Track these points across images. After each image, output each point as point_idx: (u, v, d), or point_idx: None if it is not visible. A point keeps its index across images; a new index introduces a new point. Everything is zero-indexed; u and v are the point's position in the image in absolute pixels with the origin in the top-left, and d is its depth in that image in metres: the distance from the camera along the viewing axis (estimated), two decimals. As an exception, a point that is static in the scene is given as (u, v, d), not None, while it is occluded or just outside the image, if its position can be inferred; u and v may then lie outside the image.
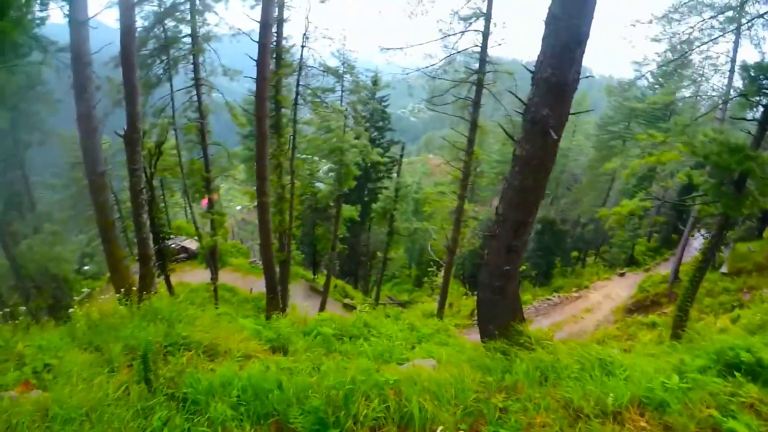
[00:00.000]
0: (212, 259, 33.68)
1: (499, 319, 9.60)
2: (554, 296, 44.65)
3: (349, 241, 57.32)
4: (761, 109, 21.33)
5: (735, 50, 32.51)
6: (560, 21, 7.80)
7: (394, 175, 49.15)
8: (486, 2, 26.57)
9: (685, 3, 28.15)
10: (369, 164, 46.47)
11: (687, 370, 7.91)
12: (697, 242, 42.96)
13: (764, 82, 20.87)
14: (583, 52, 7.88)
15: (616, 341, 28.22)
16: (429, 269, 55.90)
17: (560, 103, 7.98)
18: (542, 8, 8.10)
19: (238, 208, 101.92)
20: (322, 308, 37.82)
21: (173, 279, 27.93)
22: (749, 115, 24.40)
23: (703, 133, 22.12)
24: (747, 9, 27.08)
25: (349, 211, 41.74)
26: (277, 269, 29.39)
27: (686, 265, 37.57)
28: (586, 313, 40.05)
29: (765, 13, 25.27)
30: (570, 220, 65.77)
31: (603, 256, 63.47)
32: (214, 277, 34.04)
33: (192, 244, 45.71)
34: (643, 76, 35.11)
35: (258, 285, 36.24)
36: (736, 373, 8.19)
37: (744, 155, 19.27)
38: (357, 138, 37.30)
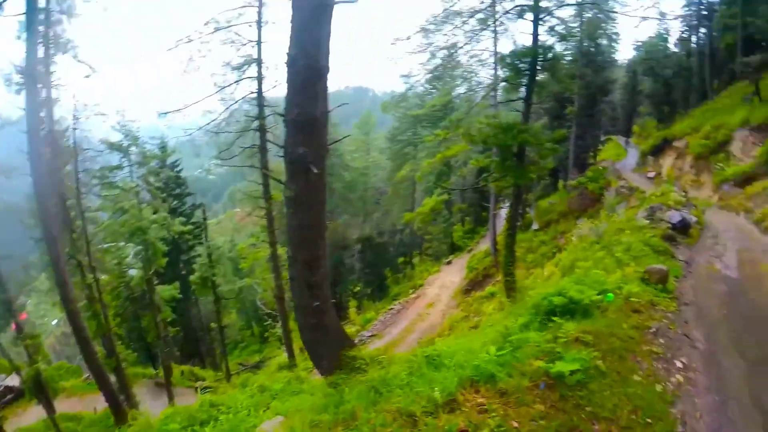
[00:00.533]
0: (40, 390, 30.28)
1: (329, 354, 9.77)
2: (395, 304, 45.56)
3: (180, 321, 54.23)
4: (523, 89, 23.80)
5: (495, 44, 36.21)
6: (299, 61, 8.18)
7: (204, 240, 47.58)
8: (256, 48, 26.79)
9: (436, 16, 30.25)
10: (176, 236, 44.61)
11: (512, 333, 8.60)
12: (504, 212, 46.27)
13: (520, 65, 23.52)
14: (326, 85, 8.30)
15: (465, 321, 29.64)
16: (266, 323, 54.67)
17: (315, 139, 8.32)
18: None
19: (54, 322, 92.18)
20: (170, 402, 35.51)
21: (8, 427, 24.84)
22: (515, 97, 27.25)
23: (479, 122, 24.45)
24: (497, 8, 29.88)
25: (167, 290, 39.40)
26: (113, 377, 27.32)
27: (500, 235, 40.21)
28: (429, 308, 41.29)
29: (508, 11, 27.91)
30: (387, 231, 67.69)
31: (427, 253, 65.80)
32: (50, 411, 30.55)
33: (15, 380, 40.76)
34: (413, 86, 37.45)
35: (101, 401, 33.25)
36: (554, 318, 9.11)
37: (518, 130, 21.49)
38: (156, 212, 35.64)
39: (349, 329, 40.15)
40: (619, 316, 10.06)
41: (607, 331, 9.05)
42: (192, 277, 44.84)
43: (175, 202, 53.84)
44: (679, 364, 9.02)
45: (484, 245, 48.87)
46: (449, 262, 52.97)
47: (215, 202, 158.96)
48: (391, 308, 44.69)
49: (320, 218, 9.09)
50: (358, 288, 58.70)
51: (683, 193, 29.43)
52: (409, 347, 26.91)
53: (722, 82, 56.15)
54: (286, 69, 8.29)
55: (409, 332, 36.36)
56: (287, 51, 8.26)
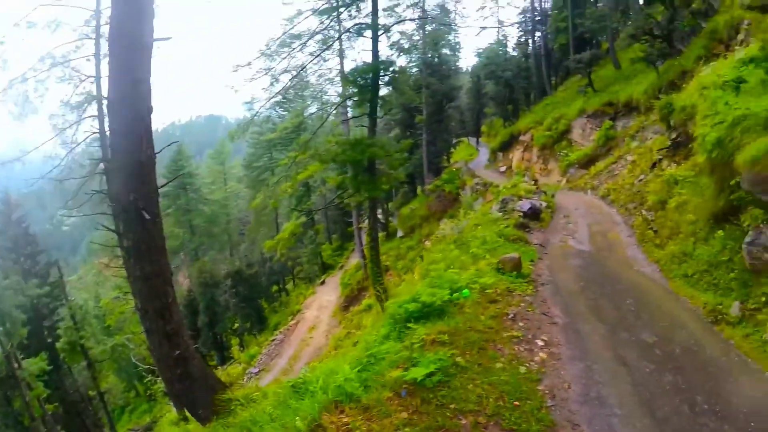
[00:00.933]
0: None
1: (202, 402, 9.45)
2: (277, 334, 44.82)
3: (56, 395, 49.87)
4: (367, 104, 24.30)
5: (342, 62, 36.62)
6: (117, 105, 7.90)
7: (64, 300, 44.22)
8: (95, 84, 25.25)
9: (276, 40, 30.11)
10: (33, 300, 41.33)
11: (372, 346, 8.68)
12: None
13: (362, 82, 23.98)
14: (150, 127, 8.04)
15: (349, 338, 29.66)
16: (147, 380, 51.28)
17: (143, 183, 8.05)
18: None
19: None
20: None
21: None
22: (362, 113, 27.75)
23: (327, 140, 24.70)
24: (337, 28, 30.22)
25: (35, 363, 36.18)
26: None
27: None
28: (312, 332, 41.04)
29: (348, 29, 28.37)
30: (256, 261, 66.32)
31: (299, 277, 65.40)
32: None
33: None
34: (258, 113, 37.16)
35: None
36: (409, 325, 9.28)
37: (365, 145, 21.83)
38: (6, 278, 33.07)
39: (235, 368, 39.22)
40: (476, 310, 10.33)
41: (464, 327, 9.29)
42: (59, 344, 41.47)
43: (27, 263, 49.63)
44: (540, 343, 9.38)
45: (355, 260, 49.27)
46: (323, 282, 52.90)
47: (73, 256, 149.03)
48: (274, 339, 43.98)
49: (163, 265, 8.75)
50: (237, 324, 57.11)
51: (533, 182, 31.08)
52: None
53: (559, 79, 62.49)
54: (107, 114, 8.02)
55: (297, 360, 36.01)
56: (106, 95, 7.98)
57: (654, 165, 22.50)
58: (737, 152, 10.69)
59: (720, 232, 12.32)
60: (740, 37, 23.14)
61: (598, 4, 56.27)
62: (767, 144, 9.64)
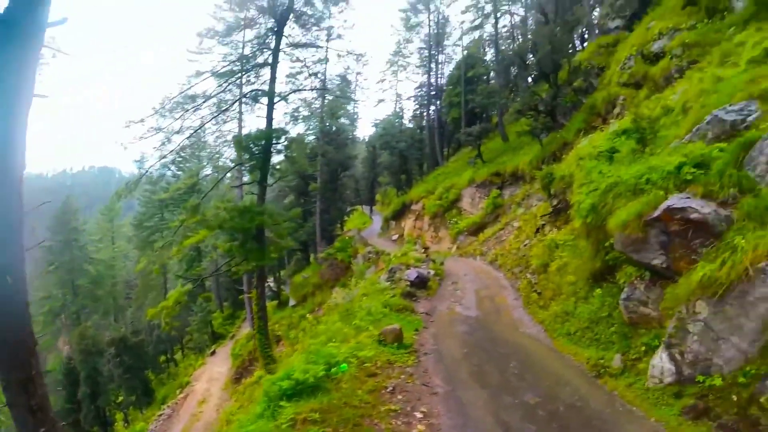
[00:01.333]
0: None
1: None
2: (165, 408, 42.18)
3: None
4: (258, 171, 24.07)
5: (240, 126, 36.33)
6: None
7: None
8: None
9: (172, 98, 29.50)
10: None
11: (245, 425, 8.20)
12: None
13: (253, 149, 23.69)
14: (18, 183, 7.43)
15: (241, 412, 28.37)
16: None
17: (8, 243, 7.40)
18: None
19: None
20: None
21: None
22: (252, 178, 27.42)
23: (216, 206, 24.01)
24: (235, 93, 30.00)
25: None
26: None
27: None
28: (202, 405, 38.89)
29: (245, 94, 28.24)
30: (142, 328, 62.69)
31: (188, 346, 62.53)
32: None
33: None
34: (147, 171, 36.07)
35: None
36: (281, 403, 8.84)
37: (254, 213, 21.40)
38: None
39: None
40: (353, 385, 10.05)
41: (339, 403, 8.97)
42: None
43: None
44: (419, 415, 9.12)
45: (246, 329, 47.62)
46: (213, 353, 50.86)
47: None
48: (161, 414, 41.33)
49: (27, 333, 7.95)
50: (121, 397, 53.42)
51: (423, 250, 31.52)
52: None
53: (451, 150, 65.93)
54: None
55: (187, 436, 33.97)
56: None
57: (538, 230, 23.52)
58: (610, 217, 11.29)
59: (598, 291, 12.93)
60: (616, 111, 25.08)
61: (490, 82, 60.06)
62: (636, 208, 10.20)
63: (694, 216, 8.88)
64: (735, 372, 7.56)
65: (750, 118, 10.48)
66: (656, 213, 9.54)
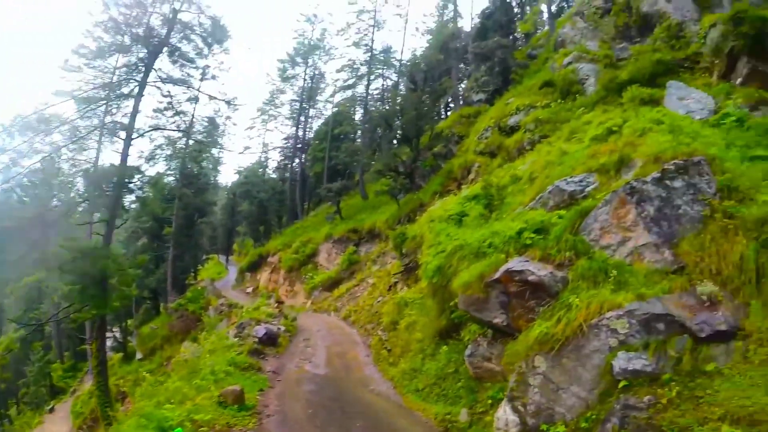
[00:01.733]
0: None
1: None
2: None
3: None
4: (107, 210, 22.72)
5: (98, 155, 34.23)
6: None
7: None
8: None
9: (23, 118, 27.75)
10: None
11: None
12: (108, 342, 42.88)
13: (104, 185, 22.44)
14: None
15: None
16: None
17: None
18: None
19: None
20: None
21: None
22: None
23: (60, 245, 22.21)
24: (94, 122, 28.47)
25: None
26: None
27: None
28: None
29: (105, 125, 26.95)
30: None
31: (25, 401, 56.74)
32: None
33: None
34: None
35: None
36: None
37: (98, 256, 20.05)
38: None
39: None
40: (187, 452, 9.56)
41: None
42: None
43: None
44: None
45: (89, 383, 43.93)
46: (52, 410, 45.93)
47: None
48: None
49: None
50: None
51: (277, 304, 30.99)
52: None
53: (312, 204, 66.88)
54: None
55: None
56: None
57: (390, 288, 24.11)
58: (454, 277, 11.81)
59: (445, 348, 13.49)
60: (471, 176, 26.69)
61: (357, 140, 61.75)
62: (478, 270, 10.78)
63: (531, 278, 9.54)
64: (578, 418, 8.06)
65: (588, 189, 11.57)
66: (497, 275, 10.12)
